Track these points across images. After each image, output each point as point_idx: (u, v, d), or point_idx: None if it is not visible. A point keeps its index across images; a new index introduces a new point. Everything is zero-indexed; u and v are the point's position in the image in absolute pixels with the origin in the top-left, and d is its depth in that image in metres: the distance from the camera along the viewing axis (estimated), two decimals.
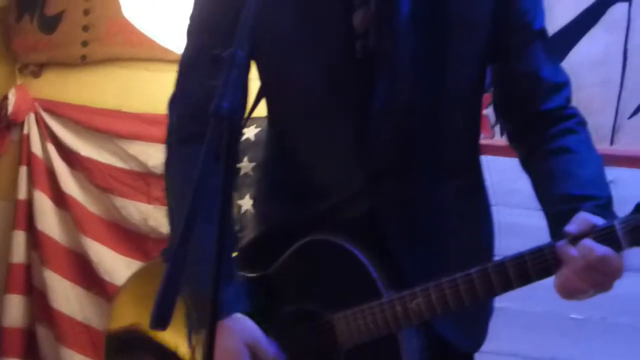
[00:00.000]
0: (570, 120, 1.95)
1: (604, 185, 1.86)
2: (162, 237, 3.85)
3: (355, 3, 1.87)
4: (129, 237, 4.04)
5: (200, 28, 2.02)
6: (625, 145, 3.17)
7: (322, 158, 1.96)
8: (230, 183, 1.46)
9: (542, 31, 1.99)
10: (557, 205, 1.82)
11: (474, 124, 2.06)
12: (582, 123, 1.97)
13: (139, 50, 4.02)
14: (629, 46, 3.12)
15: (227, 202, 1.47)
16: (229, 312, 1.84)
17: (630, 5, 3.16)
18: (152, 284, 1.49)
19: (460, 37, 1.89)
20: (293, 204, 2.01)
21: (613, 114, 3.18)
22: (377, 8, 1.87)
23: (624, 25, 3.15)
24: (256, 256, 2.01)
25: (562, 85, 1.98)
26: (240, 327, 1.86)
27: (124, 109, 4.06)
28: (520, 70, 1.96)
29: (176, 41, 3.68)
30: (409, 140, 1.91)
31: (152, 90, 3.91)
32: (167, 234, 3.70)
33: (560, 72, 2.00)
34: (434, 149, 1.94)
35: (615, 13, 3.17)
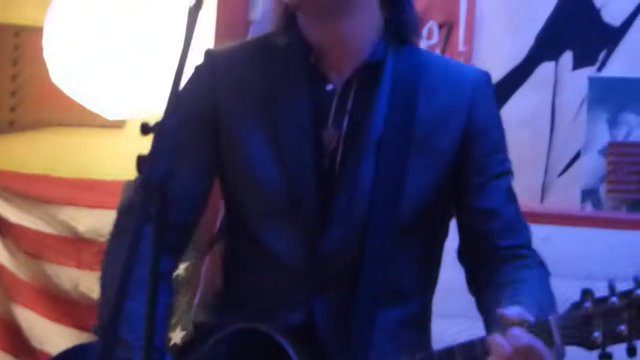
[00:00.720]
0: (527, 259, 1.97)
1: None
2: (93, 303, 3.79)
3: (327, 121, 1.93)
4: (59, 304, 3.96)
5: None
6: (555, 203, 3.19)
7: (270, 266, 1.96)
8: (160, 249, 1.45)
9: (508, 171, 2.02)
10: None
11: (431, 256, 2.05)
12: (540, 262, 1.99)
13: (67, 115, 3.98)
14: (557, 104, 3.16)
15: (157, 269, 1.45)
16: None
17: (556, 64, 3.20)
18: None
19: (421, 166, 1.93)
20: (230, 311, 2.01)
21: (543, 171, 3.21)
22: (348, 129, 1.93)
23: (552, 83, 3.19)
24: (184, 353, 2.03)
25: (524, 227, 2.01)
26: None
27: (53, 174, 4.00)
28: (480, 206, 1.98)
29: (104, 106, 3.66)
30: (359, 258, 1.91)
31: (82, 155, 3.90)
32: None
33: (521, 214, 2.02)
34: (382, 271, 1.92)
35: (543, 72, 3.22)
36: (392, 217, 1.91)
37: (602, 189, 3.14)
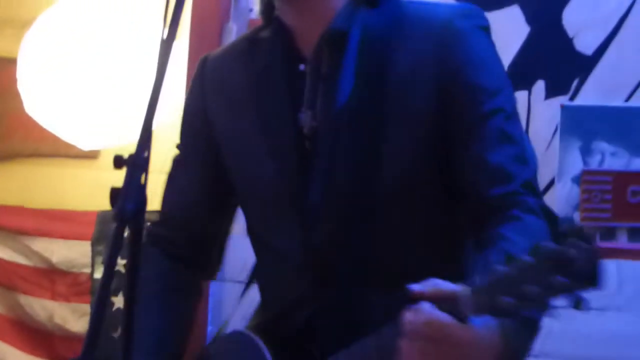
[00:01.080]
0: (514, 208, 1.72)
1: None
2: (68, 334, 3.78)
3: (302, 102, 1.90)
4: (34, 335, 3.93)
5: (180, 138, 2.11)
6: None
7: (275, 263, 1.97)
8: (134, 283, 1.42)
9: (496, 111, 1.79)
10: None
11: (439, 232, 1.88)
12: (531, 210, 1.72)
13: (41, 146, 3.96)
14: (530, 133, 3.17)
15: (132, 300, 1.44)
16: None
17: (529, 93, 3.22)
18: None
19: (398, 133, 1.81)
20: (258, 315, 2.04)
21: None
22: (321, 106, 1.88)
23: (525, 112, 3.20)
24: None
25: (518, 171, 1.76)
26: None
27: (27, 205, 3.97)
28: (462, 154, 1.79)
29: (79, 136, 3.65)
30: (350, 241, 1.84)
31: (56, 186, 3.88)
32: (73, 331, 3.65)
33: (518, 155, 1.79)
34: (374, 252, 1.83)
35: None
36: (374, 191, 1.81)
37: (576, 217, 3.14)
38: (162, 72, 1.47)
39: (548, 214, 1.75)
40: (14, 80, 3.69)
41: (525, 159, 1.80)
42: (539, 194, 1.80)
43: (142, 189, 1.39)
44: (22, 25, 3.81)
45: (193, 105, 2.06)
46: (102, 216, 3.70)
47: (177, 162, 2.09)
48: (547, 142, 3.21)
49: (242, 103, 1.97)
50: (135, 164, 1.40)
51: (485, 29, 1.89)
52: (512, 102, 1.86)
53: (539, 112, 3.22)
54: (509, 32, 3.21)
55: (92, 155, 3.81)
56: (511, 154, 1.77)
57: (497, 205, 1.74)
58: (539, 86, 3.22)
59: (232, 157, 1.99)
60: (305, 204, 1.87)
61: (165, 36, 1.48)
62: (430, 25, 1.84)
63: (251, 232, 2.04)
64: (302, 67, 1.91)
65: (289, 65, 1.92)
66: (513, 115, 1.84)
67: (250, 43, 2.01)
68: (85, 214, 3.77)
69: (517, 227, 1.68)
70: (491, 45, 1.89)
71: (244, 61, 1.99)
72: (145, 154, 1.41)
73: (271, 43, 1.95)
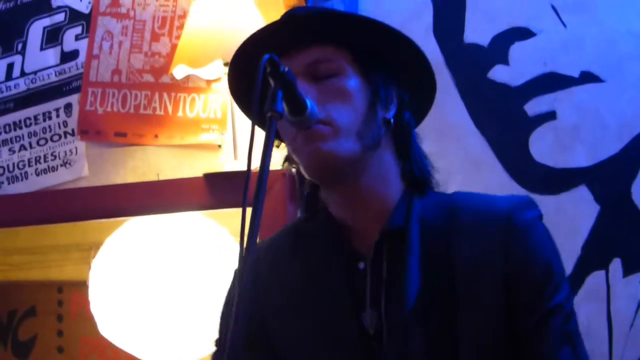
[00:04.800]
0: None
1: None
2: None
3: (365, 303, 1.85)
4: None
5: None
6: None
7: None
8: None
9: (558, 307, 1.81)
10: None
11: None
12: None
13: None
14: (612, 315, 3.10)
15: None
16: None
17: (607, 273, 3.16)
18: None
19: (469, 326, 1.79)
20: None
21: None
22: (387, 306, 1.83)
23: (605, 294, 3.14)
24: None
25: None
26: None
27: None
28: (531, 354, 1.80)
29: (153, 353, 3.65)
30: None
31: None
32: None
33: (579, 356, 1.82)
34: None
35: (594, 281, 3.17)
36: None
37: None
38: (241, 286, 1.45)
39: None
40: (83, 303, 3.72)
41: (582, 357, 1.82)
42: None
43: None
44: (89, 247, 3.88)
45: (245, 305, 1.99)
46: None
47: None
48: (630, 322, 3.13)
49: (300, 302, 1.92)
50: None
51: (542, 218, 1.91)
52: (569, 294, 1.87)
53: (618, 291, 3.14)
54: (579, 212, 3.18)
55: None
56: (573, 354, 1.80)
57: None
58: (616, 264, 3.16)
59: (286, 355, 1.92)
60: None
61: (243, 250, 1.47)
62: (490, 219, 1.86)
63: None
64: (362, 265, 1.88)
65: (346, 262, 1.89)
66: (572, 309, 1.86)
67: (298, 237, 1.99)
68: None
69: None
70: (549, 235, 1.90)
71: (296, 258, 1.96)
72: None
73: (324, 238, 1.93)
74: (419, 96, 1.99)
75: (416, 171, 1.94)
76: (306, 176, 1.89)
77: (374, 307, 1.85)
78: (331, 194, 1.93)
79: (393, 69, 1.94)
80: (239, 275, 1.47)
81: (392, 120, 1.92)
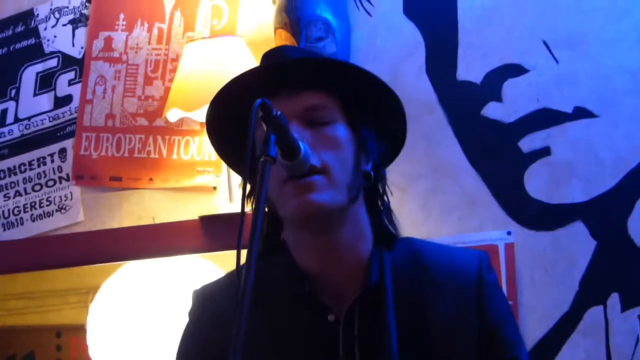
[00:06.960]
0: None
1: None
2: None
3: (338, 353, 1.81)
4: None
5: None
6: None
7: None
8: None
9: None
10: None
11: None
12: None
13: None
14: (611, 350, 3.08)
15: None
16: None
17: (605, 308, 3.15)
18: None
19: None
20: None
21: None
22: (361, 358, 1.81)
23: (603, 329, 3.12)
24: None
25: None
26: None
27: None
28: None
29: None
30: None
31: None
32: None
33: None
34: None
35: (592, 317, 3.16)
36: None
37: None
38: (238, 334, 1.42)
39: None
40: (82, 348, 3.71)
41: None
42: None
43: None
44: (87, 291, 3.87)
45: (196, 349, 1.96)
46: None
47: None
48: (630, 357, 3.12)
49: (261, 352, 1.82)
50: None
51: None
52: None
53: (617, 326, 3.13)
54: (576, 248, 3.18)
55: None
56: None
57: None
58: (614, 299, 3.15)
59: None
60: None
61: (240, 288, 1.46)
62: (462, 278, 1.90)
63: None
64: (331, 317, 1.84)
65: (314, 314, 1.85)
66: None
67: (256, 282, 1.67)
68: None
69: None
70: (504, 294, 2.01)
71: (256, 305, 1.66)
72: None
73: (286, 287, 1.88)
74: (391, 148, 1.99)
75: (387, 225, 1.94)
76: (287, 218, 1.86)
77: (347, 357, 1.81)
78: (306, 240, 1.87)
79: (376, 121, 1.93)
80: (235, 319, 1.43)
81: (371, 173, 1.90)
